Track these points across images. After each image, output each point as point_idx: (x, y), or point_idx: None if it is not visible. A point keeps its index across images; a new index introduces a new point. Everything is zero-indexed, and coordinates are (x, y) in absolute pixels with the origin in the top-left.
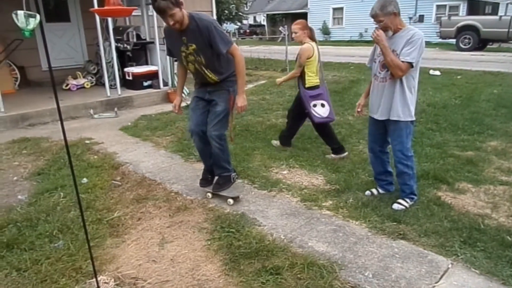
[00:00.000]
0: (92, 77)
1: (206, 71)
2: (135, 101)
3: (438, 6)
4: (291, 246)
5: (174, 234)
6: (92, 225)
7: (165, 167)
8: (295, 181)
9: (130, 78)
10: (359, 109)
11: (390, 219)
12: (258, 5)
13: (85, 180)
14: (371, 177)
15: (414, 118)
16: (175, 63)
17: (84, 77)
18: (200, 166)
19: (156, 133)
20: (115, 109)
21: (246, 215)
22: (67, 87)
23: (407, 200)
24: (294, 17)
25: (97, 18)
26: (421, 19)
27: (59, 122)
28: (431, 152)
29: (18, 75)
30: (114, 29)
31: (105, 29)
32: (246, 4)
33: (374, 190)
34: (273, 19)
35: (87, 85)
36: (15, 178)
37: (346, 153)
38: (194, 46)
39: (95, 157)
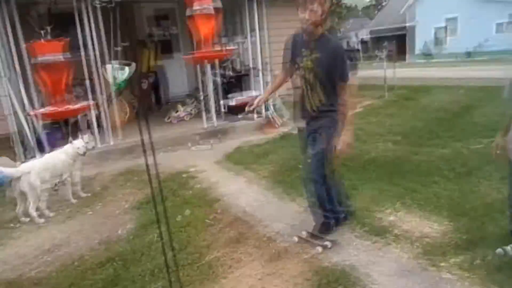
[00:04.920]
0: (192, 109)
1: (315, 87)
2: (230, 132)
3: None
4: None
5: None
6: (184, 270)
7: (259, 205)
8: (405, 230)
9: (226, 109)
10: (498, 151)
11: None
12: (353, 27)
13: (179, 217)
14: (504, 230)
15: None
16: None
17: (184, 109)
18: (295, 206)
19: (250, 166)
20: (211, 140)
21: (347, 272)
22: (169, 120)
23: None
24: (393, 38)
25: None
26: None
27: (162, 153)
28: None
29: (130, 108)
30: None
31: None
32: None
33: (509, 249)
34: (367, 42)
35: (187, 117)
36: (117, 211)
37: None
38: (318, 55)
39: (190, 192)
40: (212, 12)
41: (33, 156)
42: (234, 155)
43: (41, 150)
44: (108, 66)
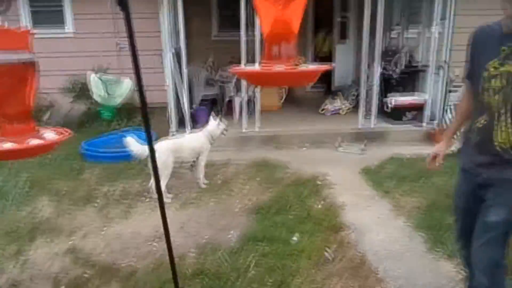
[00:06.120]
0: (352, 102)
1: (507, 116)
2: (388, 136)
3: None
4: None
5: None
6: None
7: (397, 251)
8: None
9: (390, 108)
10: None
11: None
12: None
13: (295, 238)
14: None
15: None
16: (450, 94)
17: (344, 100)
18: (448, 269)
19: (402, 186)
20: (364, 143)
21: None
22: (323, 111)
23: None
24: None
25: (365, 38)
26: None
27: (304, 148)
28: None
29: (285, 91)
30: (384, 52)
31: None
32: None
33: None
34: None
35: (343, 111)
36: (237, 208)
37: None
38: None
39: (320, 205)
40: None
41: (187, 129)
42: (386, 167)
43: (195, 122)
44: (92, 77)
